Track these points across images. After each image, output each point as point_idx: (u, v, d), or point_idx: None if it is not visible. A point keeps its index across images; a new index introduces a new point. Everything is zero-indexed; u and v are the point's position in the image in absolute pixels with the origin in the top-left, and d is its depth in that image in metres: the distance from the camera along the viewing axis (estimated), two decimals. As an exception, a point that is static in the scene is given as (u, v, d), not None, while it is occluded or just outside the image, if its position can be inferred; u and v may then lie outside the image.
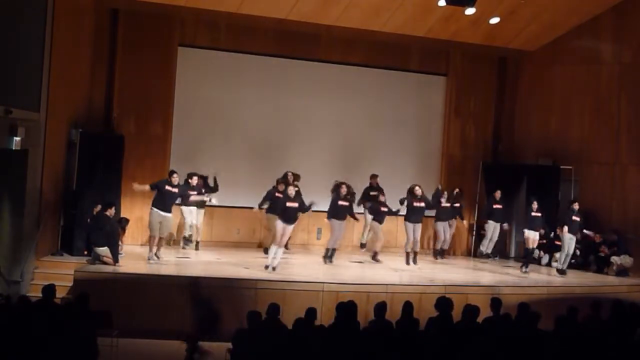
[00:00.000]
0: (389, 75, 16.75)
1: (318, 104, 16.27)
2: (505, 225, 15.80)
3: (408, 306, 8.69)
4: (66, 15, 12.62)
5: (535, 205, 14.21)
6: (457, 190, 15.72)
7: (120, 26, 15.00)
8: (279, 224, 12.33)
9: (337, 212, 13.54)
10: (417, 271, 13.51)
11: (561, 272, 14.28)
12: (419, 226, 13.93)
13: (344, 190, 13.49)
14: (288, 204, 12.32)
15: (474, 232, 16.86)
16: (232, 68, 15.74)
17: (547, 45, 16.87)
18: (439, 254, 15.31)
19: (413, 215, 13.87)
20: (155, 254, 12.53)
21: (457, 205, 15.70)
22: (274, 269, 12.22)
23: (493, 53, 17.15)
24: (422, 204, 13.88)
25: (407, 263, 13.92)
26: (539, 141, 17.06)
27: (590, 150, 16.38)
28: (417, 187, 13.83)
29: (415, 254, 13.92)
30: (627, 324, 8.93)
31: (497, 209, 15.62)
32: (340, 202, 13.56)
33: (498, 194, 15.61)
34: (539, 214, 14.26)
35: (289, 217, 12.35)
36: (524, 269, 14.07)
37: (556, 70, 16.98)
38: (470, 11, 14.30)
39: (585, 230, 14.85)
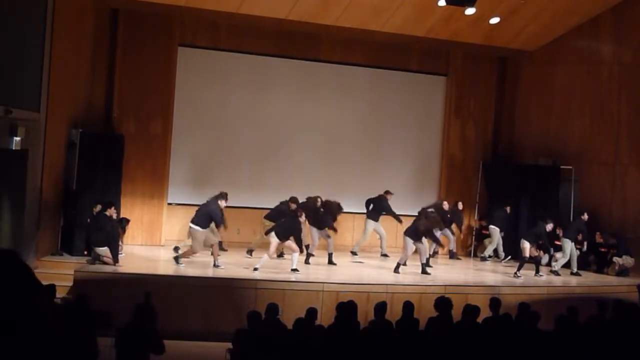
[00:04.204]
0: (389, 75, 16.75)
1: (318, 104, 16.27)
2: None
3: (408, 306, 8.68)
4: (66, 15, 12.61)
5: (550, 226, 14.07)
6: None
7: (120, 26, 14.99)
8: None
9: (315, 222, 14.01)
10: (417, 271, 13.47)
11: (555, 273, 14.34)
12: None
13: (318, 202, 14.00)
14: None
15: (474, 233, 16.85)
16: (232, 68, 15.74)
17: (547, 45, 16.86)
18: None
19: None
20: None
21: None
22: (256, 269, 12.27)
23: (493, 53, 17.14)
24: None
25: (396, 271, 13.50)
26: (539, 141, 17.05)
27: (590, 150, 16.38)
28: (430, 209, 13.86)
29: (423, 264, 13.47)
30: (627, 324, 8.93)
31: (505, 218, 15.74)
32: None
33: (508, 209, 15.75)
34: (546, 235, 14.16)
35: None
36: (518, 274, 13.83)
37: (556, 70, 16.98)
38: (470, 11, 14.30)
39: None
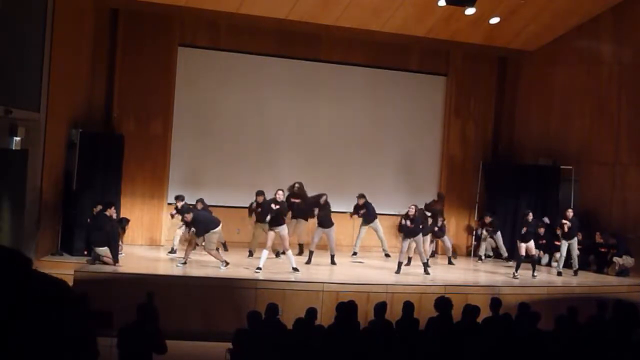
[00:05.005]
0: (389, 75, 16.74)
1: (318, 104, 16.27)
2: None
3: (408, 306, 8.68)
4: (66, 15, 12.62)
5: (530, 216, 14.13)
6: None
7: (120, 26, 15.00)
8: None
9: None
10: (417, 271, 13.47)
11: (559, 274, 14.37)
12: (418, 238, 13.44)
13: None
14: (272, 206, 12.69)
15: (474, 233, 16.84)
16: (232, 68, 15.74)
17: (547, 45, 16.86)
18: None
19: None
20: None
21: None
22: (259, 269, 12.27)
23: (493, 53, 17.14)
24: (412, 225, 13.27)
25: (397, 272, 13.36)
26: (539, 141, 17.05)
27: (590, 150, 16.38)
28: (411, 207, 13.48)
29: (424, 264, 13.40)
30: (627, 324, 8.92)
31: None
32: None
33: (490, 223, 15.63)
34: (532, 224, 14.17)
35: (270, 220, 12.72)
36: (516, 274, 13.81)
37: (556, 70, 16.97)
38: (470, 11, 14.30)
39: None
